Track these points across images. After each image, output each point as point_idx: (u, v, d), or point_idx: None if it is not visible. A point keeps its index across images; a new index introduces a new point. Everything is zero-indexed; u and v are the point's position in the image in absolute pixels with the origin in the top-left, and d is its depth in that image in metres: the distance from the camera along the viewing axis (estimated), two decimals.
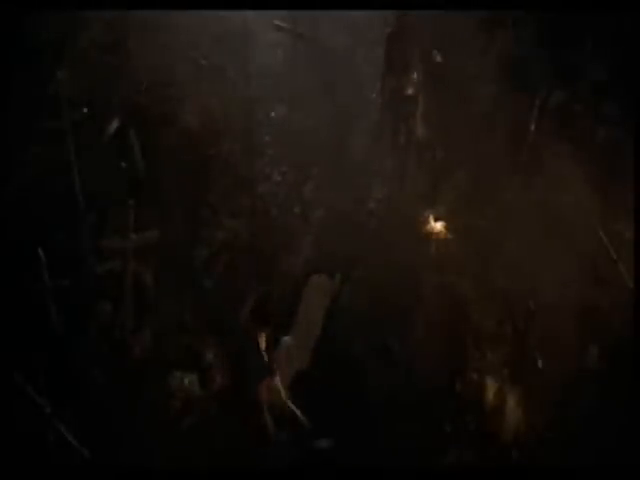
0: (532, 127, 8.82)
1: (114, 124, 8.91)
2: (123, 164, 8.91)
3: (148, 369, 7.82)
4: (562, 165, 8.75)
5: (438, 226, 8.70)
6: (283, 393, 7.56)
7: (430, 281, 8.43)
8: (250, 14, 9.06)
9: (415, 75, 8.91)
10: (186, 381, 7.74)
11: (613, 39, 9.01)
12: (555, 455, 7.40)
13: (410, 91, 9.00)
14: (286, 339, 8.03)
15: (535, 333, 7.96)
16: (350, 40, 9.80)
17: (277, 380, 7.55)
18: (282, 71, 9.72)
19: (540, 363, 7.93)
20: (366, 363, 7.96)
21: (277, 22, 9.67)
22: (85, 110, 8.92)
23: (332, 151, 9.25)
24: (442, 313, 8.22)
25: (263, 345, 7.49)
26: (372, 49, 9.71)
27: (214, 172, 9.11)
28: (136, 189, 8.66)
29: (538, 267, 8.30)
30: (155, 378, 7.74)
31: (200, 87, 9.51)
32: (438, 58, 9.13)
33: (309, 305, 8.31)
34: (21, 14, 8.56)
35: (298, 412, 7.53)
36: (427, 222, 8.72)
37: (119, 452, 7.17)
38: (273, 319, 7.58)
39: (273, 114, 9.60)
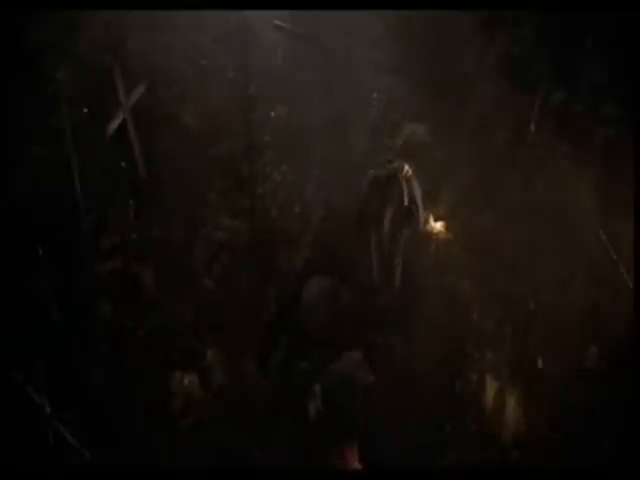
0: (532, 127, 8.81)
1: (114, 124, 8.91)
2: (123, 164, 8.92)
3: (148, 369, 7.82)
4: (562, 165, 8.76)
5: (438, 226, 8.70)
6: None
7: (430, 281, 8.43)
8: (250, 14, 9.05)
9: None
10: (186, 381, 7.75)
11: (613, 39, 9.00)
12: (555, 455, 7.40)
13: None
14: (286, 339, 8.04)
15: (535, 333, 7.96)
16: (350, 40, 9.79)
17: None
18: (282, 71, 9.71)
19: (540, 363, 7.93)
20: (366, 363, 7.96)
21: (277, 22, 9.66)
22: (85, 110, 8.93)
23: (332, 151, 9.25)
24: (442, 313, 8.22)
25: None
26: (372, 49, 9.70)
27: (214, 172, 9.12)
28: (136, 189, 8.67)
29: (538, 267, 8.30)
30: (155, 378, 7.74)
31: (200, 87, 9.51)
32: None
33: (309, 305, 8.31)
34: (21, 14, 8.55)
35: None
36: (427, 222, 8.73)
37: (119, 452, 7.18)
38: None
39: (273, 114, 9.60)
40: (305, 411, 7.23)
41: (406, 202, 8.27)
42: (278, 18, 9.60)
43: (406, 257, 8.53)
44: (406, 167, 8.27)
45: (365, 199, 8.42)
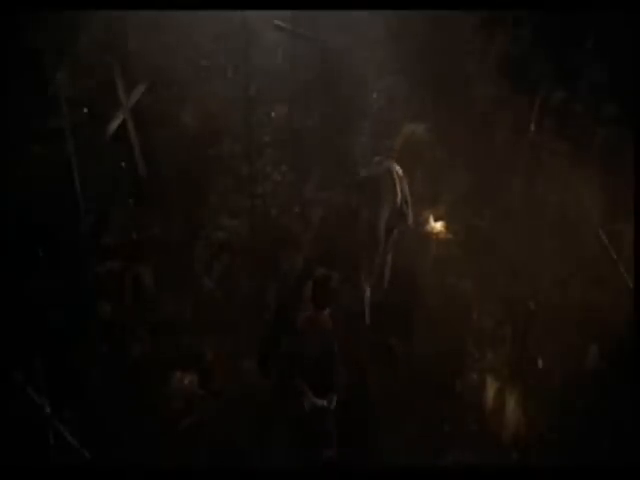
0: (532, 127, 8.81)
1: (114, 124, 8.92)
2: (123, 164, 8.92)
3: (148, 369, 7.82)
4: (562, 165, 8.76)
5: (438, 226, 8.71)
6: None
7: (430, 281, 8.43)
8: (250, 14, 9.05)
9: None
10: (186, 381, 7.75)
11: (613, 39, 9.00)
12: (555, 455, 7.40)
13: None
14: (285, 339, 8.03)
15: (535, 333, 7.96)
16: (350, 40, 9.80)
17: None
18: (282, 71, 9.71)
19: (540, 363, 7.93)
20: (366, 363, 7.97)
21: (277, 22, 9.68)
22: (85, 110, 8.95)
23: (332, 151, 9.25)
24: (442, 313, 8.22)
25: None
26: (372, 49, 9.71)
27: (214, 172, 9.12)
28: (136, 189, 8.68)
29: (538, 267, 8.30)
30: (155, 378, 7.75)
31: (200, 87, 9.52)
32: None
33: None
34: (21, 14, 8.56)
35: None
36: (427, 222, 8.73)
37: (119, 452, 7.18)
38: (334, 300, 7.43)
39: (273, 114, 9.61)
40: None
41: (399, 203, 8.23)
42: (278, 18, 9.62)
43: (406, 257, 8.53)
44: (397, 167, 8.25)
45: (358, 201, 8.35)
